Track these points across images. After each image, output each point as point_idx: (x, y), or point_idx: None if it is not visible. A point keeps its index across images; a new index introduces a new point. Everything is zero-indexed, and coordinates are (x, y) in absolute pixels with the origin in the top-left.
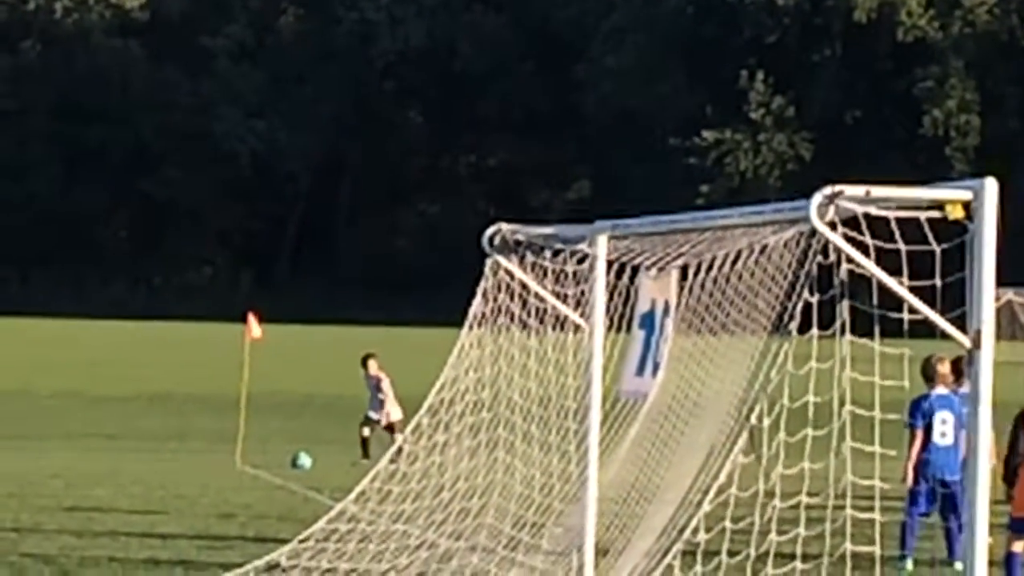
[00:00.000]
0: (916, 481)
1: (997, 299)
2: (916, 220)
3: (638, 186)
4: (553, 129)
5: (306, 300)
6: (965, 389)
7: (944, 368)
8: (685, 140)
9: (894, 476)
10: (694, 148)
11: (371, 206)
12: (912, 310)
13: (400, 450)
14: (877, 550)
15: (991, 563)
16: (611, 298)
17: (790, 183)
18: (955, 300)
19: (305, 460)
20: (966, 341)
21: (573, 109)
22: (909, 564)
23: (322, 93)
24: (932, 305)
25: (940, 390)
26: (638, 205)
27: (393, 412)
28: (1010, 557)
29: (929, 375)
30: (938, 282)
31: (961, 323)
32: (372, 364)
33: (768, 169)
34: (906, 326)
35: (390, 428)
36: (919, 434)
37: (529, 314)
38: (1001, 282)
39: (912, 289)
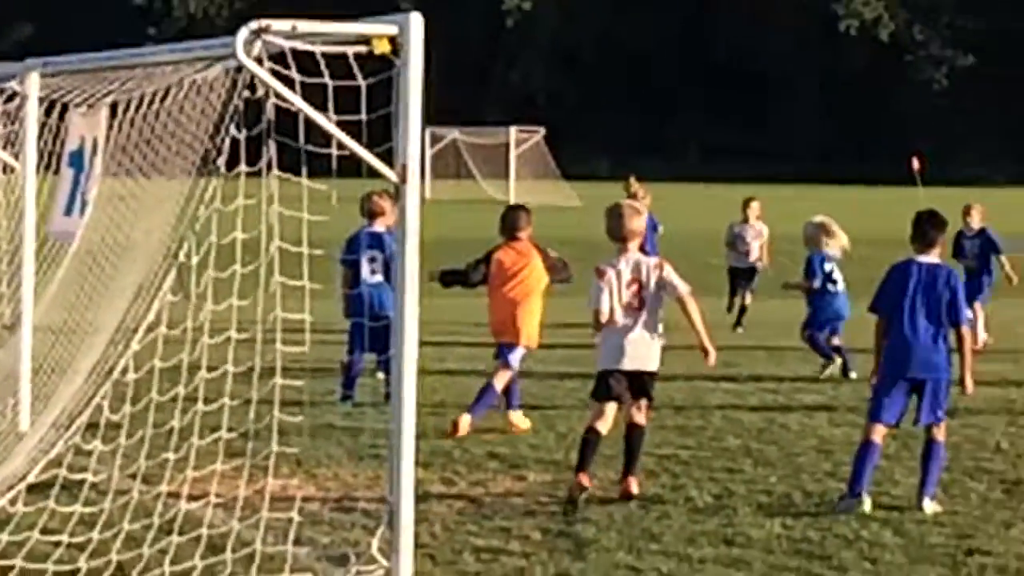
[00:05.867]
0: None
1: (441, 138)
2: (345, 55)
3: (82, 29)
4: None
5: None
6: None
7: (385, 203)
8: None
9: (321, 309)
10: None
11: None
12: (340, 146)
13: None
14: (304, 384)
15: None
16: (42, 137)
17: (240, 22)
18: (383, 136)
19: None
20: (393, 176)
21: None
22: None
23: None
24: (359, 141)
25: (377, 227)
26: (84, 48)
27: None
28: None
29: (370, 211)
30: (363, 117)
31: (389, 159)
32: None
33: (217, 9)
34: (335, 163)
35: None
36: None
37: None
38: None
39: (340, 125)
